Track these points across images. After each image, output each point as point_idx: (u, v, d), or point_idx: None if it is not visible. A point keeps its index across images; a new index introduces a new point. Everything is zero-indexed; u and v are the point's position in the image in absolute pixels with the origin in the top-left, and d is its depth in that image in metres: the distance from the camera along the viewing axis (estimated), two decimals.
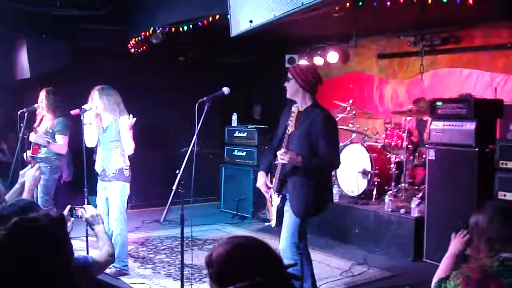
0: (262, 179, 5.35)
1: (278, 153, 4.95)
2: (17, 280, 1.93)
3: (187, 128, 10.38)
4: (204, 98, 5.06)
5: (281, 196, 5.20)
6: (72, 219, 3.47)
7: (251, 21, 5.09)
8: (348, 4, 6.14)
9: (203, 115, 5.03)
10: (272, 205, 5.30)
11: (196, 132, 5.03)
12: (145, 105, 9.41)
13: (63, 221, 2.24)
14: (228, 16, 6.05)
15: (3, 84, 10.37)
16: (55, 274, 2.01)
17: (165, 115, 10.81)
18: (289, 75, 5.19)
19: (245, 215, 9.77)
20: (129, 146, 6.44)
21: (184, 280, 5.31)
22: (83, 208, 3.52)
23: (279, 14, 4.50)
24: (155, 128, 10.47)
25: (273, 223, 5.36)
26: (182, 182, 5.03)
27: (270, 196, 5.33)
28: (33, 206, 3.03)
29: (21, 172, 4.45)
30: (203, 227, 8.72)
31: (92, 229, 3.49)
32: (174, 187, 5.03)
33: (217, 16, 7.00)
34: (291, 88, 5.18)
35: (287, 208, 5.14)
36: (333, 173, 8.68)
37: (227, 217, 9.84)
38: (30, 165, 4.50)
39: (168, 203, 5.18)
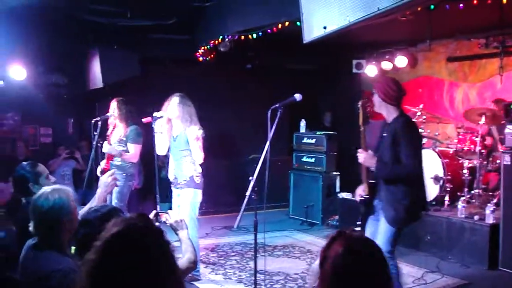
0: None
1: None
2: (125, 280, 1.94)
3: (254, 134, 10.51)
4: (277, 105, 5.07)
5: (363, 199, 5.19)
6: (157, 224, 3.52)
7: (324, 27, 5.07)
8: (419, 8, 6.04)
9: (275, 122, 5.03)
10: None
11: (269, 139, 5.03)
12: (212, 113, 9.51)
13: (150, 220, 2.25)
14: (299, 23, 6.04)
15: (75, 94, 10.69)
16: (163, 275, 2.02)
17: (232, 122, 10.89)
18: (373, 89, 5.21)
19: (314, 221, 9.75)
20: (198, 156, 6.54)
21: (257, 286, 5.34)
22: (167, 213, 3.57)
23: (353, 20, 4.46)
24: (223, 135, 10.56)
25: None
26: (255, 189, 5.04)
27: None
28: (117, 211, 3.09)
29: (100, 178, 4.55)
30: (272, 234, 8.73)
31: (176, 235, 3.53)
32: (248, 193, 5.05)
33: (287, 23, 7.02)
34: (376, 102, 5.20)
35: (381, 216, 5.11)
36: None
37: (296, 224, 9.85)
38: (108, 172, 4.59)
39: (242, 209, 5.18)
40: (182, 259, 3.36)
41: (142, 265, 1.96)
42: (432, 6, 6.28)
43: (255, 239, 5.11)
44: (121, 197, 7.11)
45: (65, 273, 3.00)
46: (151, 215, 3.53)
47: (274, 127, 5.06)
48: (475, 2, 6.31)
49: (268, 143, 5.07)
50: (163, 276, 2.00)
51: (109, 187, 4.37)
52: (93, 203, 4.14)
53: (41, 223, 3.31)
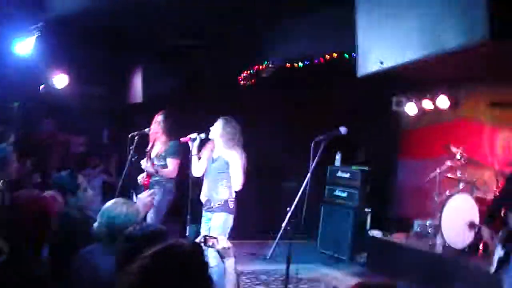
0: None
1: None
2: None
3: (288, 163, 10.41)
4: (321, 137, 4.99)
5: (504, 250, 4.95)
6: (204, 248, 3.41)
7: (381, 62, 4.97)
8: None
9: (318, 155, 4.94)
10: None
11: (311, 170, 4.93)
12: (248, 137, 9.45)
13: (202, 249, 2.24)
14: (346, 55, 5.98)
15: (113, 106, 10.74)
16: None
17: (269, 148, 10.73)
18: None
19: (342, 257, 9.50)
20: (237, 182, 6.48)
21: None
22: (216, 238, 3.46)
23: (414, 58, 4.36)
24: (256, 161, 10.44)
25: (491, 269, 5.15)
26: (292, 220, 4.94)
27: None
28: (162, 233, 3.04)
29: (138, 197, 4.50)
30: (299, 266, 8.54)
31: (223, 262, 3.42)
32: (284, 224, 4.95)
33: (335, 54, 6.94)
34: None
35: None
36: (437, 222, 8.36)
37: (323, 258, 9.64)
38: (147, 191, 4.54)
39: (277, 239, 5.07)
40: None
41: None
42: None
43: (287, 272, 5.02)
44: (157, 212, 7.05)
45: None
46: (199, 239, 3.45)
47: (316, 159, 4.98)
48: None
49: (309, 175, 4.98)
50: None
51: (148, 206, 4.32)
52: None
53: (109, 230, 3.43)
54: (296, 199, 4.95)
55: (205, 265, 2.08)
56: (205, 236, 3.49)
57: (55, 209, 3.17)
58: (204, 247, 3.37)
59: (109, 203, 3.52)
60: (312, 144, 4.98)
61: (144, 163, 7.10)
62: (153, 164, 7.15)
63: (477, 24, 3.94)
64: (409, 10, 4.80)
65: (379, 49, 5.03)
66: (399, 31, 4.61)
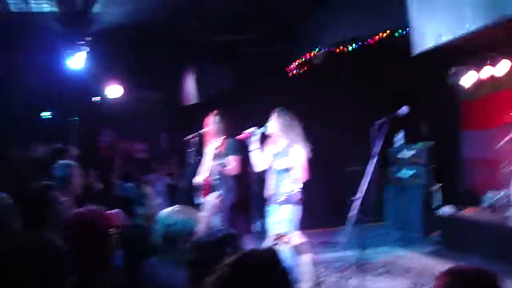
0: None
1: None
2: None
3: (350, 147, 10.26)
4: (381, 120, 4.88)
5: None
6: (278, 246, 3.38)
7: (439, 36, 4.79)
8: None
9: (381, 137, 4.84)
10: None
11: (376, 154, 4.83)
12: (310, 126, 9.34)
13: (280, 255, 2.17)
14: (397, 33, 5.80)
15: (169, 110, 10.81)
16: None
17: (327, 134, 10.61)
18: None
19: (415, 237, 9.28)
20: (303, 174, 6.39)
21: None
22: (290, 236, 3.42)
23: (474, 28, 4.18)
24: (317, 149, 10.34)
25: None
26: (361, 204, 4.87)
27: None
28: (231, 237, 2.99)
29: (206, 199, 4.49)
30: (372, 250, 8.40)
31: (298, 258, 3.38)
32: (353, 212, 4.87)
33: (385, 34, 6.76)
34: None
35: None
36: (508, 192, 8.09)
37: (395, 239, 9.44)
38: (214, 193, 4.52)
39: (348, 227, 5.00)
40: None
41: None
42: None
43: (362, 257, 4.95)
44: (222, 210, 7.03)
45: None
46: (273, 237, 3.42)
47: (379, 142, 4.87)
48: None
49: (374, 159, 4.88)
50: None
51: (216, 208, 4.31)
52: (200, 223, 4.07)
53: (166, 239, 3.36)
54: (363, 184, 4.86)
55: (286, 271, 2.02)
56: (279, 234, 3.45)
57: (117, 224, 3.15)
58: (278, 245, 3.34)
59: (164, 211, 3.48)
60: (372, 128, 4.88)
61: (208, 163, 7.11)
62: (214, 164, 7.15)
63: None
64: None
65: (435, 24, 4.85)
66: (456, 3, 4.43)
